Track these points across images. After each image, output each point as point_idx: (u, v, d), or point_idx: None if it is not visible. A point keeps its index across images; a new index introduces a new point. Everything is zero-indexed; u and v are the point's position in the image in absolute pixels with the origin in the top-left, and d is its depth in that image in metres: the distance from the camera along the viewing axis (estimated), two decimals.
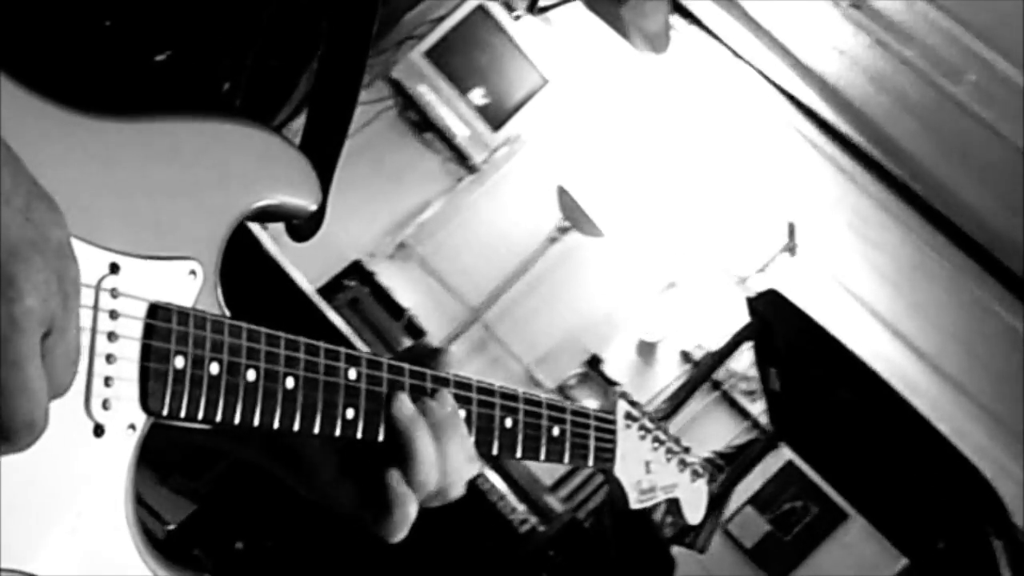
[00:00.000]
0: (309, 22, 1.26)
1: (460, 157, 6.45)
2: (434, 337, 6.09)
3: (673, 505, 1.63)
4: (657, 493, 1.57)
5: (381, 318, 6.02)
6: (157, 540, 1.04)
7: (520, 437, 1.32)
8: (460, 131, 6.30)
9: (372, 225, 6.52)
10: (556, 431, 1.37)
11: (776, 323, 4.51)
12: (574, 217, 6.15)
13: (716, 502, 5.48)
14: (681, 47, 4.89)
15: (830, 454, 5.03)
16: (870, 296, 5.48)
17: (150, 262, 1.02)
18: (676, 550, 4.93)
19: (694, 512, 1.65)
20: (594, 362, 6.39)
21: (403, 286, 6.32)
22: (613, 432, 1.48)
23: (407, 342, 5.90)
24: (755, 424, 6.22)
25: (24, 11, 1.05)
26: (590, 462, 1.43)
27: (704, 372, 5.45)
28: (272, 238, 5.31)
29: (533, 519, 5.08)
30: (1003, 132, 3.51)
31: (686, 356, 6.36)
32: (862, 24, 3.66)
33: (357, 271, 6.25)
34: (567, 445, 1.39)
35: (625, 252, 6.41)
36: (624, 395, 1.54)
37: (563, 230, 6.26)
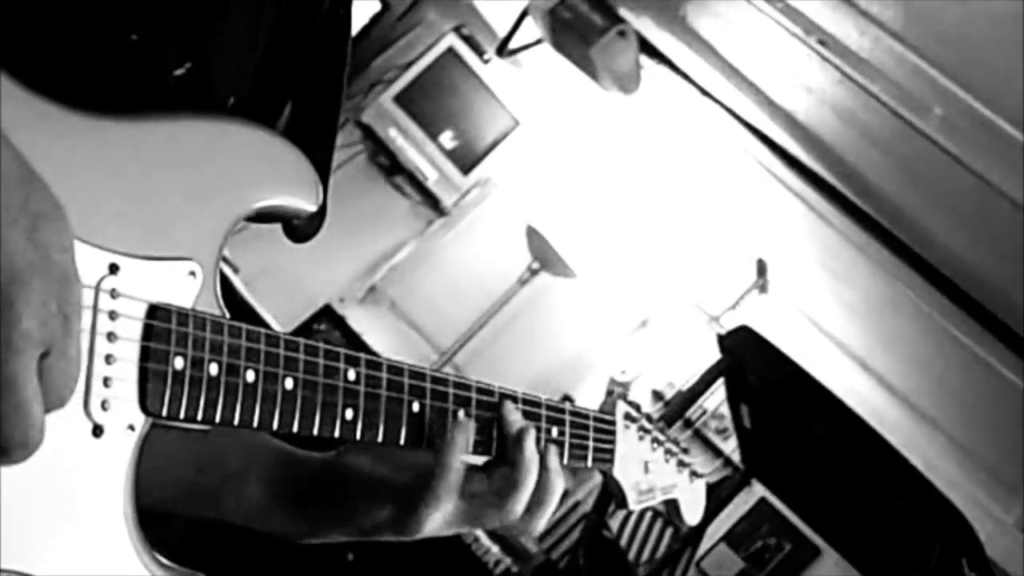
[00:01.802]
0: (296, 40, 1.28)
1: (430, 200, 6.46)
2: None
3: (672, 506, 1.63)
4: (656, 493, 1.58)
5: None
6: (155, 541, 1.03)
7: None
8: (430, 174, 6.32)
9: (343, 269, 6.52)
10: (555, 432, 1.38)
11: (747, 359, 4.52)
12: (544, 258, 6.17)
13: (690, 540, 5.48)
14: (650, 86, 4.93)
15: (803, 490, 5.04)
16: (840, 332, 5.51)
17: (149, 263, 1.03)
18: None
19: (693, 513, 1.65)
20: (567, 402, 6.39)
21: (374, 330, 6.31)
22: (612, 433, 1.49)
23: None
24: (727, 462, 6.23)
25: (52, 20, 1.06)
26: (589, 463, 1.44)
27: (676, 411, 5.45)
28: (244, 282, 5.32)
29: (507, 560, 5.06)
30: (970, 165, 3.55)
31: (657, 395, 6.37)
32: (829, 60, 3.71)
33: (328, 315, 6.24)
34: (566, 446, 1.40)
35: (596, 292, 6.43)
36: (623, 395, 1.55)
37: (534, 271, 6.27)
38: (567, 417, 1.41)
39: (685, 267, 6.30)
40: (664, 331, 6.45)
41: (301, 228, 1.22)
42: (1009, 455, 4.67)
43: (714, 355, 4.72)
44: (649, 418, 1.57)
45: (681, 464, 1.63)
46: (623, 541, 5.86)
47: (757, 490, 5.97)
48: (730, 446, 6.05)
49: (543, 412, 1.37)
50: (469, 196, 6.45)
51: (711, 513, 5.60)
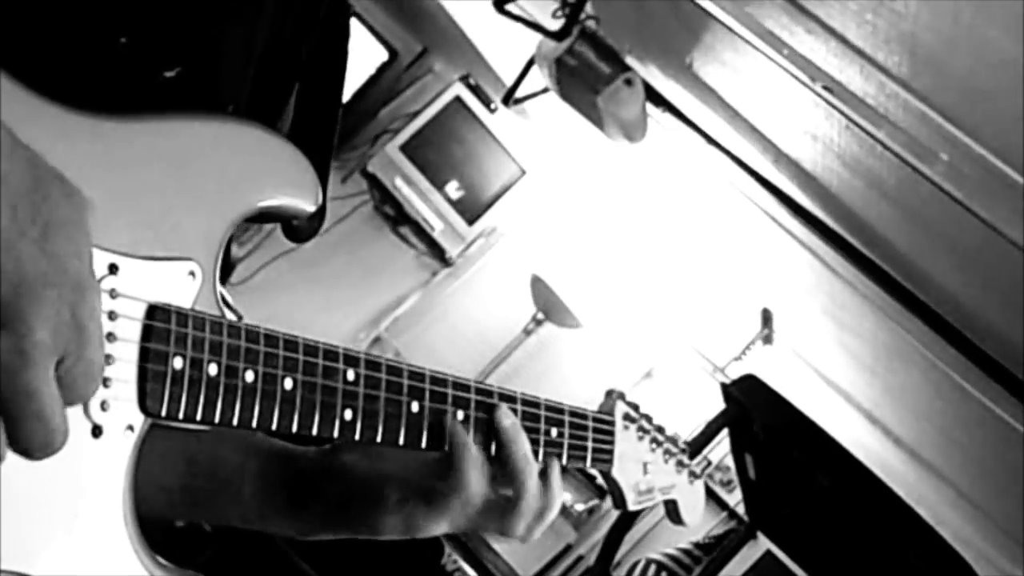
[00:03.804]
0: (294, 47, 1.29)
1: (436, 251, 6.47)
2: None
3: (671, 506, 1.62)
4: (655, 494, 1.58)
5: None
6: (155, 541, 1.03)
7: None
8: (436, 225, 6.33)
9: (348, 319, 6.53)
10: (554, 433, 1.38)
11: (753, 408, 4.50)
12: (549, 308, 6.17)
13: None
14: (656, 135, 4.94)
15: (808, 543, 4.99)
16: (846, 382, 5.49)
17: (149, 263, 1.03)
18: None
19: (691, 513, 1.65)
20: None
21: None
22: (611, 433, 1.50)
23: None
24: (732, 514, 6.20)
25: (42, 23, 1.06)
26: (588, 463, 1.44)
27: None
28: None
29: None
30: (978, 212, 3.54)
31: None
32: (835, 106, 3.71)
33: None
34: (565, 447, 1.40)
35: (601, 343, 6.43)
36: (622, 395, 1.55)
37: (539, 321, 6.27)
38: (566, 418, 1.42)
39: (690, 317, 6.29)
40: (669, 382, 6.44)
41: (301, 228, 1.22)
42: (1018, 508, 4.64)
43: (718, 407, 4.71)
44: (648, 418, 1.58)
45: (680, 464, 1.63)
46: None
47: (762, 543, 5.92)
48: (735, 498, 6.02)
49: (542, 413, 1.38)
50: (474, 246, 6.46)
51: (716, 566, 5.56)
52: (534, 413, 1.36)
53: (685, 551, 5.84)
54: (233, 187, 1.08)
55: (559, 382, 6.49)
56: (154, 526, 1.24)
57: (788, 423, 4.33)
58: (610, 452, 1.50)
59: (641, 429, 1.56)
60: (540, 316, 6.25)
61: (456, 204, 6.33)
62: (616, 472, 1.51)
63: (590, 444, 1.45)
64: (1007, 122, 3.24)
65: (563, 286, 6.10)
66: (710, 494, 6.26)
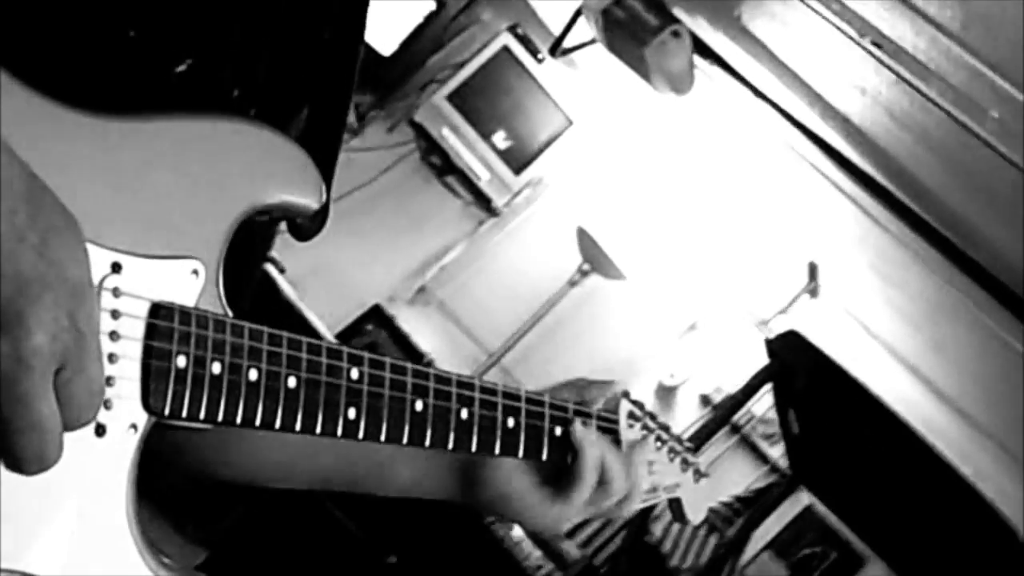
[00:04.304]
0: (312, 34, 1.28)
1: (482, 201, 6.45)
2: None
3: (675, 505, 1.63)
4: (660, 493, 1.59)
5: None
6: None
7: (522, 437, 1.33)
8: (482, 174, 6.30)
9: (392, 269, 6.53)
10: (558, 431, 1.38)
11: (796, 365, 4.48)
12: (595, 260, 6.15)
13: (734, 547, 5.44)
14: (703, 87, 4.89)
15: (850, 498, 4.98)
16: (891, 337, 5.44)
17: (152, 261, 1.03)
18: None
19: (696, 512, 1.65)
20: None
21: (422, 330, 6.31)
22: (616, 432, 1.49)
23: None
24: (774, 468, 6.18)
25: (50, 18, 1.05)
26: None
27: (723, 416, 5.42)
28: (290, 283, 5.33)
29: (549, 565, 5.04)
30: None
31: (705, 399, 6.33)
32: (884, 62, 3.65)
33: (376, 315, 6.24)
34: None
35: (645, 295, 6.40)
36: (627, 394, 1.54)
37: (584, 273, 6.25)
38: (571, 416, 1.42)
39: (735, 270, 6.25)
40: (713, 335, 6.41)
41: (304, 227, 1.22)
42: None
43: (763, 360, 4.69)
44: (652, 417, 1.57)
45: (685, 463, 1.63)
46: (665, 547, 5.81)
47: (803, 497, 5.91)
48: (777, 452, 6.01)
49: (546, 411, 1.38)
50: (520, 196, 6.43)
51: (756, 520, 5.56)
52: (538, 411, 1.36)
53: (726, 504, 5.85)
54: (235, 186, 1.08)
55: (603, 334, 6.48)
56: (183, 486, 1.27)
57: (831, 379, 4.31)
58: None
59: (646, 427, 1.56)
60: (585, 267, 6.23)
61: (503, 154, 6.30)
62: None
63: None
64: None
65: (608, 238, 6.08)
66: (752, 447, 6.28)
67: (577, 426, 1.41)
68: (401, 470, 1.40)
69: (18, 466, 0.89)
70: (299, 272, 5.31)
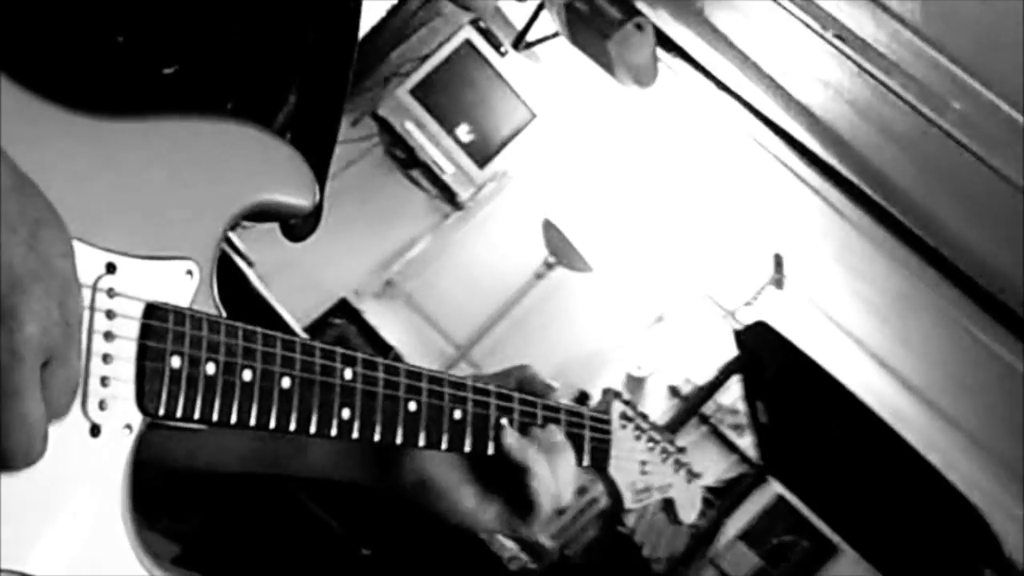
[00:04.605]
0: (296, 34, 1.28)
1: (447, 194, 6.45)
2: None
3: (668, 505, 1.63)
4: (652, 493, 1.58)
5: None
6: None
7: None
8: (447, 168, 6.30)
9: (359, 263, 6.52)
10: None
11: (764, 355, 4.50)
12: (560, 252, 6.16)
13: (705, 537, 5.46)
14: (667, 80, 4.91)
15: (820, 487, 5.01)
16: (857, 328, 5.49)
17: (147, 262, 1.03)
18: None
19: (688, 512, 1.65)
20: (582, 398, 6.38)
21: (389, 324, 6.31)
22: (608, 432, 1.50)
23: None
24: (744, 458, 6.21)
25: (39, 23, 1.06)
26: (585, 462, 1.44)
27: (692, 406, 5.45)
28: (259, 277, 5.32)
29: (523, 556, 5.05)
30: (988, 161, 3.52)
31: (674, 391, 6.36)
32: (846, 54, 3.68)
33: (344, 309, 6.24)
34: None
35: (612, 287, 6.42)
36: (619, 395, 1.55)
37: (550, 265, 6.27)
38: (563, 416, 1.41)
39: (701, 262, 6.28)
40: (680, 326, 6.44)
41: (297, 227, 1.22)
42: None
43: (731, 351, 4.71)
44: (644, 417, 1.57)
45: (677, 464, 1.63)
46: (638, 537, 5.84)
47: (774, 487, 5.95)
48: (746, 442, 6.04)
49: (539, 412, 1.37)
50: (485, 190, 6.44)
51: (727, 510, 5.59)
52: (531, 412, 1.36)
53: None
54: (229, 186, 1.08)
55: (570, 326, 6.50)
56: (163, 477, 1.27)
57: (799, 370, 4.33)
58: (607, 451, 1.49)
59: (638, 428, 1.56)
60: (551, 260, 6.24)
61: (467, 147, 6.31)
62: (613, 471, 1.51)
63: (587, 443, 1.45)
64: (1019, 71, 3.21)
65: (574, 230, 6.09)
66: (721, 438, 6.32)
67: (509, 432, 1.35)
68: (316, 451, 1.37)
69: (6, 460, 0.89)
70: (267, 266, 5.31)
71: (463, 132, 6.31)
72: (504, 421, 1.34)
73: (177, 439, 1.27)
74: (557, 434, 1.36)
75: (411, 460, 1.36)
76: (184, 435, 1.27)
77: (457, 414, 1.26)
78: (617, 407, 1.53)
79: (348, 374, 1.15)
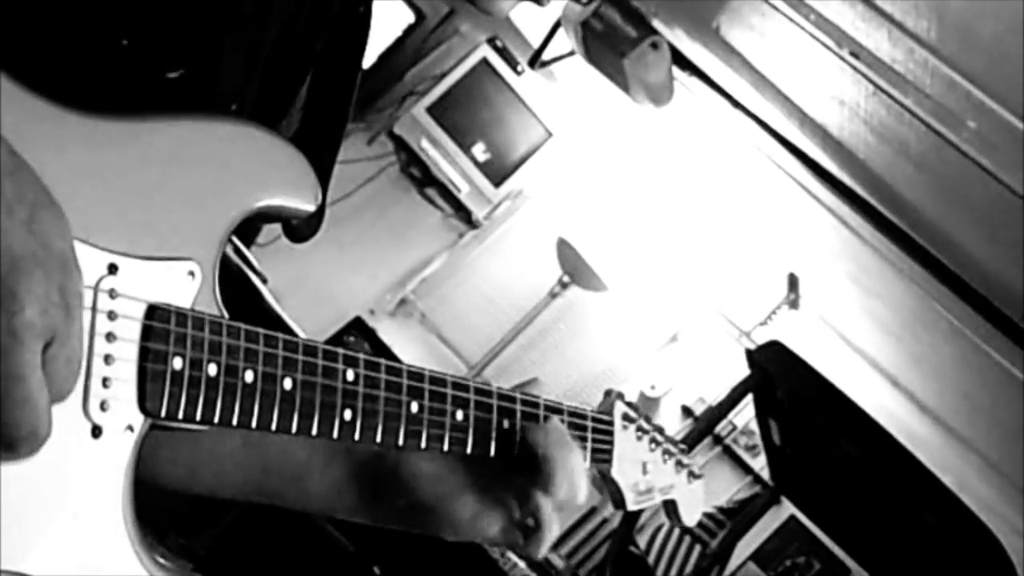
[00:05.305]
0: (306, 42, 1.28)
1: (462, 213, 6.45)
2: None
3: (670, 506, 1.62)
4: (654, 494, 1.58)
5: None
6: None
7: (517, 439, 1.33)
8: (462, 186, 6.30)
9: (373, 281, 6.52)
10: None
11: (777, 375, 4.49)
12: (575, 271, 6.16)
13: (718, 558, 5.44)
14: (683, 99, 4.90)
15: (832, 508, 4.99)
16: (871, 348, 5.47)
17: (148, 263, 1.03)
18: None
19: (690, 513, 1.65)
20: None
21: (403, 343, 6.30)
22: (610, 433, 1.49)
23: None
24: (757, 479, 6.19)
25: (44, 26, 1.06)
26: (587, 463, 1.43)
27: (705, 426, 5.43)
28: (272, 293, 5.33)
29: (533, 575, 5.04)
30: (1004, 180, 3.51)
31: (687, 411, 6.35)
32: (862, 72, 3.67)
33: (358, 327, 6.23)
34: None
35: (626, 306, 6.41)
36: (621, 395, 1.54)
37: (564, 284, 6.26)
38: (565, 418, 1.41)
39: (716, 281, 6.27)
40: (694, 346, 6.43)
41: (299, 229, 1.22)
42: None
43: (744, 371, 4.70)
44: (647, 418, 1.57)
45: (679, 464, 1.63)
46: (651, 558, 5.82)
47: (786, 508, 5.92)
48: (759, 463, 6.02)
49: (540, 412, 1.37)
50: (500, 208, 6.44)
51: (740, 530, 5.56)
52: (533, 413, 1.36)
53: (709, 515, 5.86)
54: (232, 187, 1.08)
55: (584, 345, 6.49)
56: (166, 496, 1.26)
57: (813, 390, 4.32)
58: (609, 452, 1.49)
59: (640, 429, 1.55)
60: (566, 279, 6.24)
61: (482, 166, 6.31)
62: (615, 472, 1.51)
63: (589, 444, 1.45)
64: None
65: (589, 249, 6.09)
66: (734, 458, 6.30)
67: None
68: (315, 483, 1.38)
69: (12, 445, 0.88)
70: (280, 283, 5.30)
71: (479, 151, 6.32)
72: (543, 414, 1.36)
73: (172, 466, 1.27)
74: (566, 433, 1.36)
75: (400, 480, 1.36)
76: (181, 466, 1.28)
77: (459, 415, 1.26)
78: (619, 408, 1.53)
79: (350, 375, 1.15)
